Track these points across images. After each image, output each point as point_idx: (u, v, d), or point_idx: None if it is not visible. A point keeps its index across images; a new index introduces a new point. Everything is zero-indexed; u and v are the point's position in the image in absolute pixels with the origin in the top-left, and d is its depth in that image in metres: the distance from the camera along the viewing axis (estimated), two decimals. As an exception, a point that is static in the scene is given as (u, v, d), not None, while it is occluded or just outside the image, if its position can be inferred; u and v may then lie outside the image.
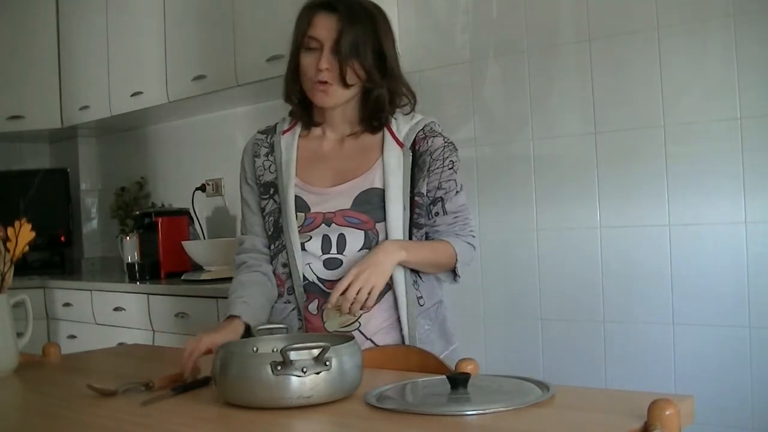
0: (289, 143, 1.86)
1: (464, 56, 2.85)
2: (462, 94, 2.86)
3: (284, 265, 1.81)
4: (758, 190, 2.28)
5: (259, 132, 1.93)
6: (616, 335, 2.53)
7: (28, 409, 1.50)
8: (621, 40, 2.50)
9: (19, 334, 1.76)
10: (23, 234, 1.72)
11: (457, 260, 1.79)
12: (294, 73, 1.80)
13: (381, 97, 1.79)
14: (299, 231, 1.79)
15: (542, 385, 1.27)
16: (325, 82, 1.74)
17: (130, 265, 3.86)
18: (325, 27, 1.74)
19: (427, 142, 1.80)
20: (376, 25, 1.77)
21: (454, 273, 1.82)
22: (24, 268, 4.23)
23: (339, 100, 1.78)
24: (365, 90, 1.79)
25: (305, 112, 1.86)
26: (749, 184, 2.29)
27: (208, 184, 4.08)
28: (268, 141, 1.88)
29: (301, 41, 1.76)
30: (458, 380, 1.26)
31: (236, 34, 3.37)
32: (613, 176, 2.53)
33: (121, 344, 2.94)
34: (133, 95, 3.94)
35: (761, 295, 2.28)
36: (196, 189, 4.07)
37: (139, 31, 3.93)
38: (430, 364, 1.61)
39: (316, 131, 1.87)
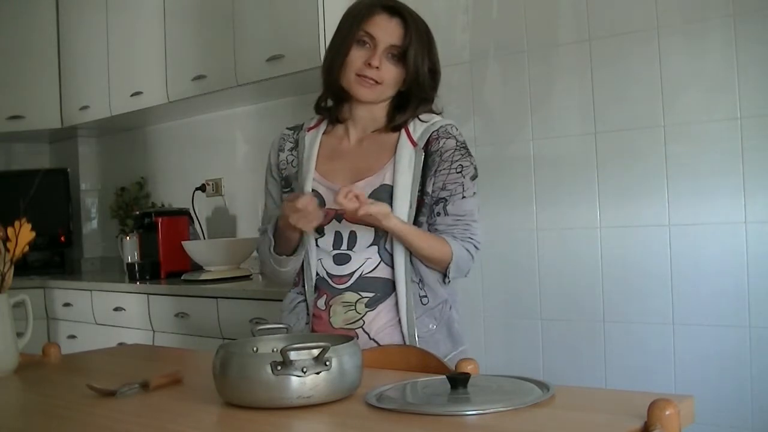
0: (313, 139, 1.91)
1: (464, 56, 2.85)
2: (462, 94, 2.85)
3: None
4: (758, 190, 2.28)
5: (287, 128, 1.98)
6: (616, 335, 2.53)
7: (28, 409, 1.50)
8: (621, 40, 2.50)
9: (19, 334, 1.76)
10: (23, 234, 1.72)
11: (451, 261, 1.79)
12: (341, 65, 1.82)
13: (422, 105, 1.87)
14: None
15: (542, 385, 1.27)
16: (373, 80, 1.79)
17: (130, 265, 3.85)
18: (384, 28, 1.80)
19: (439, 143, 1.82)
20: (431, 43, 1.86)
21: (444, 275, 1.82)
22: (24, 268, 4.23)
23: (380, 97, 1.84)
24: (398, 93, 1.86)
25: (334, 105, 1.91)
26: (749, 184, 2.29)
27: (208, 184, 4.08)
28: (294, 137, 1.94)
29: (355, 34, 1.80)
30: (458, 380, 1.26)
31: (236, 34, 3.37)
32: (613, 176, 2.53)
33: (121, 344, 2.95)
34: (133, 95, 3.94)
35: (761, 295, 2.28)
36: (196, 189, 4.07)
37: (139, 31, 3.93)
38: (430, 364, 1.61)
39: (339, 130, 1.92)
